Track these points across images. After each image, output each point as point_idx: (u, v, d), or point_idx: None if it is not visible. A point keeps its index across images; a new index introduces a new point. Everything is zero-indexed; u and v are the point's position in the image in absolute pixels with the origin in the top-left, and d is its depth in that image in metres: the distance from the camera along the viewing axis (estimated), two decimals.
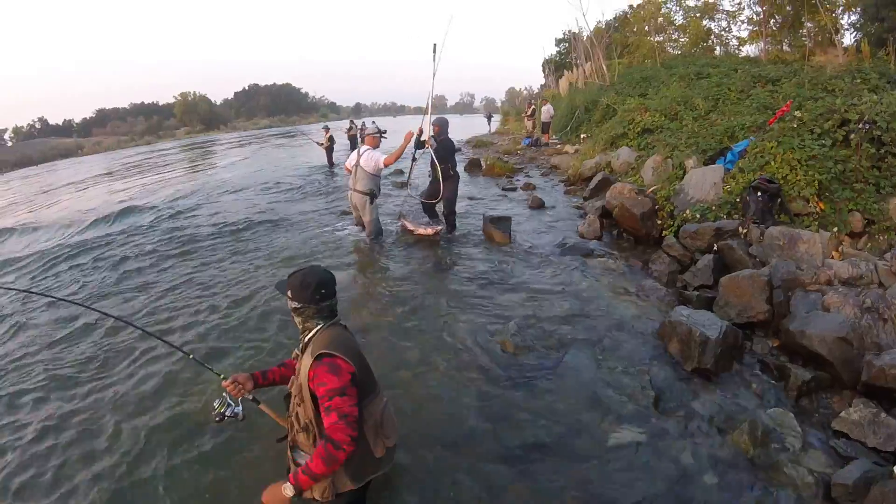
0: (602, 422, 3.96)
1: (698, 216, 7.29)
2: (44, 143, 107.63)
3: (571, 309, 5.81)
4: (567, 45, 33.20)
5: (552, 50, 37.68)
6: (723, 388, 4.28)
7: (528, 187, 12.69)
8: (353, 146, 25.45)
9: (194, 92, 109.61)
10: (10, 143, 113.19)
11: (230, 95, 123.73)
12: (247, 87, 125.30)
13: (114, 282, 8.17)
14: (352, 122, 27.55)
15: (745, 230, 6.49)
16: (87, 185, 26.62)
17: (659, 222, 7.92)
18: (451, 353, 5.09)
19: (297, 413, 2.76)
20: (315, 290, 2.68)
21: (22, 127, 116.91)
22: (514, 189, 12.80)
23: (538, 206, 10.67)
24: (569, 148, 17.33)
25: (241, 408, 2.95)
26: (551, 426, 3.97)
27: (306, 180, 17.53)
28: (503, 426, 4.01)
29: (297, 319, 2.74)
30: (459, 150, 21.31)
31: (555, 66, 35.14)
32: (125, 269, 8.72)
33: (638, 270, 6.99)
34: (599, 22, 30.02)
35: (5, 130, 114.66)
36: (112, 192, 21.81)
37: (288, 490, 2.54)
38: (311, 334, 2.71)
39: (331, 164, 20.62)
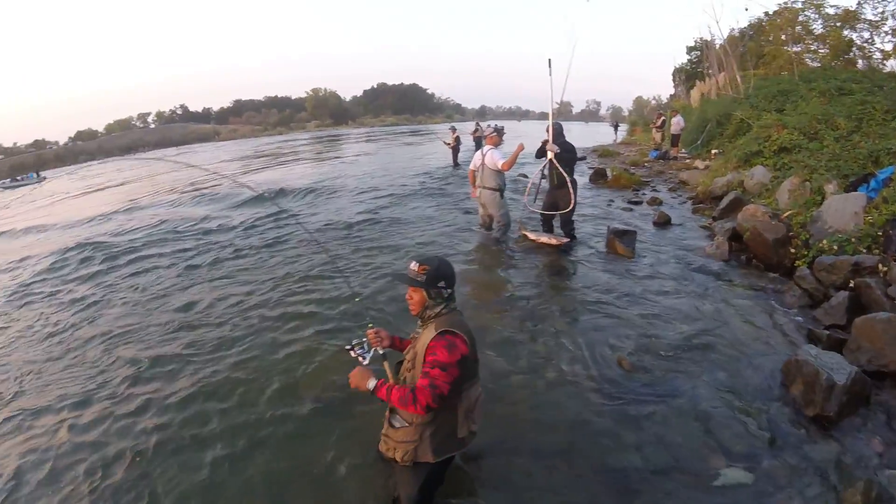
0: (710, 458, 3.77)
1: (835, 248, 6.75)
2: (183, 128, 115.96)
3: (693, 333, 5.58)
4: (699, 53, 31.78)
5: (683, 58, 36.12)
6: (842, 440, 3.90)
7: (655, 202, 12.34)
8: (478, 147, 25.91)
9: (325, 88, 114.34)
10: (152, 126, 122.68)
11: (359, 93, 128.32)
12: (375, 86, 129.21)
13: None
14: (477, 124, 27.94)
15: (885, 268, 5.90)
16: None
17: (792, 251, 7.35)
18: (564, 362, 5.08)
19: (405, 378, 3.07)
20: (442, 280, 2.99)
21: (164, 112, 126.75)
22: (639, 202, 12.53)
23: (664, 221, 10.35)
24: (699, 163, 16.64)
25: (370, 354, 3.23)
26: (657, 453, 3.82)
27: (431, 178, 18.13)
28: (606, 445, 3.92)
29: (437, 306, 3.01)
30: (584, 157, 21.22)
31: (685, 76, 33.59)
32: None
33: (766, 300, 6.48)
34: (733, 30, 28.05)
35: (149, 114, 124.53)
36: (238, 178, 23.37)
37: (371, 383, 2.92)
38: (434, 315, 2.99)
39: (455, 163, 20.99)
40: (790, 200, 9.02)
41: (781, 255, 7.40)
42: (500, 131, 9.21)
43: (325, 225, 11.45)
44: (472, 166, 8.96)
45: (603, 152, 23.60)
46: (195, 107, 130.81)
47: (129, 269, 9.61)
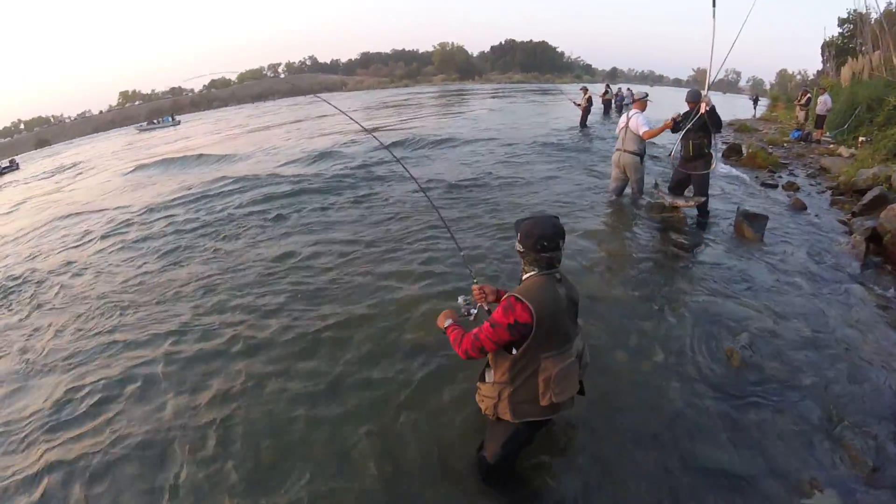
0: (805, 476, 3.55)
1: None
2: (312, 78, 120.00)
3: (815, 337, 5.19)
4: (852, 27, 29.13)
5: (834, 31, 33.07)
6: None
7: (791, 187, 11.64)
8: (607, 110, 25.50)
9: (452, 43, 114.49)
10: (282, 76, 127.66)
11: (487, 48, 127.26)
12: (503, 42, 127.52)
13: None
14: (608, 86, 27.43)
15: None
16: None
17: None
18: (672, 346, 4.96)
19: None
20: (538, 241, 2.88)
21: (294, 63, 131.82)
22: (774, 186, 11.84)
23: (800, 208, 9.84)
24: (843, 150, 15.40)
25: (475, 310, 3.41)
26: (750, 460, 3.68)
27: (560, 137, 17.86)
28: (701, 439, 3.85)
29: (529, 266, 3.00)
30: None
31: (836, 51, 30.26)
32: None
33: None
34: (891, 3, 25.17)
35: (279, 64, 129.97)
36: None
37: (446, 322, 3.27)
38: (525, 276, 3.03)
39: (584, 124, 20.48)
40: None
41: None
42: (647, 98, 9.19)
43: (439, 181, 11.74)
44: (619, 126, 8.97)
45: (740, 127, 22.31)
46: (324, 58, 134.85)
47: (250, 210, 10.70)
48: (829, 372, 4.67)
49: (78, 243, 10.65)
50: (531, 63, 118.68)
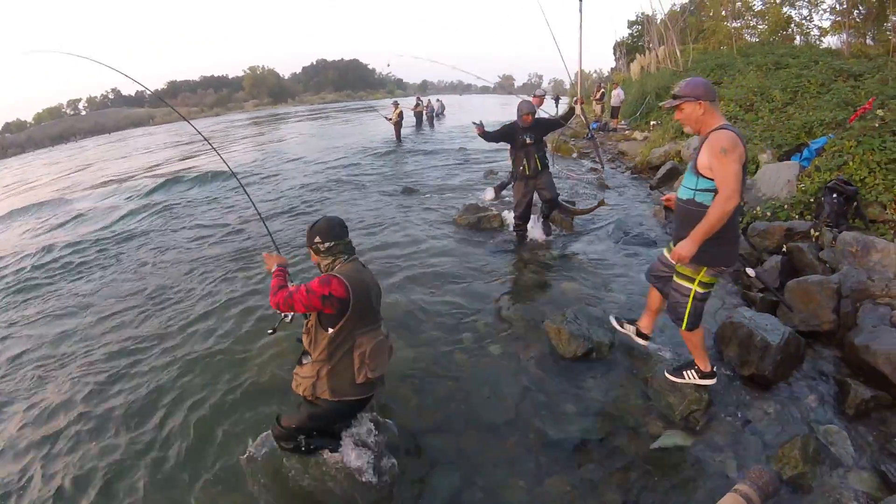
0: (649, 422, 3.87)
1: (769, 214, 6.97)
2: (117, 113, 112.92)
3: (626, 300, 5.75)
4: (640, 27, 32.25)
5: (624, 32, 36.52)
6: (778, 399, 4.03)
7: (595, 171, 12.52)
8: (419, 123, 25.78)
9: (263, 66, 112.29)
10: (83, 112, 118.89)
11: (298, 70, 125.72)
12: (315, 62, 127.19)
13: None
14: (418, 98, 27.80)
15: (816, 233, 6.11)
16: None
17: None
18: (504, 338, 5.16)
19: (306, 325, 3.34)
20: (321, 235, 3.24)
21: (96, 97, 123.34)
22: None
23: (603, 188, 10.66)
24: (637, 134, 16.94)
25: (291, 316, 3.55)
26: (596, 421, 3.94)
27: (375, 154, 17.97)
28: (549, 415, 4.01)
29: (325, 258, 3.29)
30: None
31: (626, 49, 34.01)
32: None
33: None
34: (674, 4, 28.74)
35: (80, 100, 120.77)
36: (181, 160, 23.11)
37: (273, 267, 3.48)
38: (336, 265, 3.28)
39: (399, 139, 20.80)
40: None
41: None
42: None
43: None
44: None
45: None
46: (128, 90, 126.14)
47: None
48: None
49: None
50: (344, 81, 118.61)
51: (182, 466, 3.86)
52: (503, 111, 37.66)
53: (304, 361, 3.39)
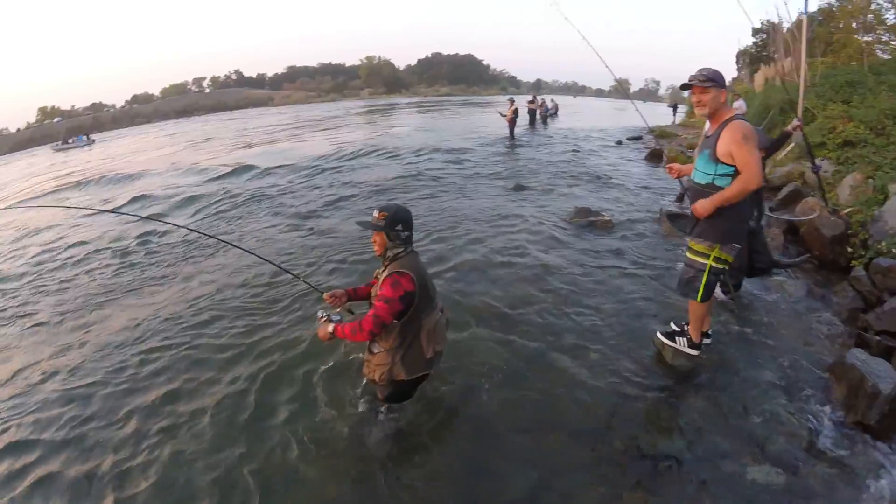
0: (744, 454, 3.67)
1: (895, 251, 6.29)
2: (238, 93, 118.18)
3: (739, 324, 5.37)
4: (765, 36, 30.60)
5: (748, 40, 34.61)
6: (882, 452, 3.64)
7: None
8: (532, 121, 25.87)
9: (379, 56, 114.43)
10: (207, 90, 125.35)
11: (413, 62, 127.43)
12: (430, 55, 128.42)
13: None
14: (534, 96, 27.94)
15: None
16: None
17: (849, 250, 6.84)
18: (606, 342, 5.03)
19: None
20: (403, 224, 3.51)
21: (219, 77, 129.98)
22: None
23: None
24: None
25: (338, 316, 3.71)
26: (691, 443, 3.78)
27: (488, 150, 18.11)
28: (642, 430, 3.93)
29: (397, 247, 3.54)
30: (640, 137, 21.02)
31: (749, 59, 31.45)
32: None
33: (817, 299, 6.10)
34: (802, 12, 27.14)
35: (204, 78, 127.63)
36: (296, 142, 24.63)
37: (329, 329, 3.55)
38: (393, 257, 3.55)
39: (512, 135, 20.82)
40: (851, 197, 8.51)
41: (837, 254, 6.97)
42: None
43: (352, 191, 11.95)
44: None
45: (660, 133, 22.96)
46: (250, 73, 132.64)
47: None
48: (756, 356, 4.79)
49: None
50: (458, 76, 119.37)
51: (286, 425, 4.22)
52: (618, 116, 37.05)
53: (375, 350, 3.68)
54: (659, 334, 4.62)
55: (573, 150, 16.54)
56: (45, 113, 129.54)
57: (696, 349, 4.42)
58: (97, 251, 10.00)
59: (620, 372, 4.59)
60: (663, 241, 7.89)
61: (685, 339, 4.44)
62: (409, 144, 20.55)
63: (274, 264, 4.66)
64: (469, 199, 11.05)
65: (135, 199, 15.12)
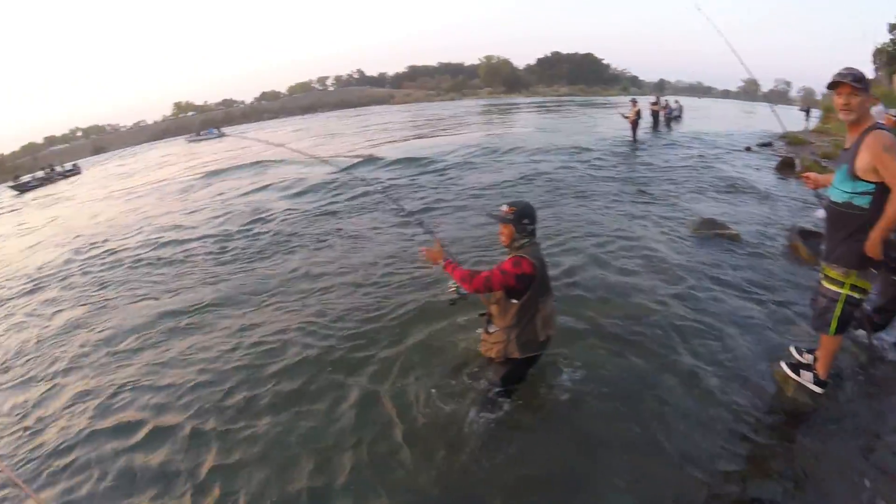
0: None
1: None
2: (360, 91, 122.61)
3: (874, 373, 4.60)
4: None
5: (884, 37, 31.23)
6: None
7: None
8: (656, 123, 25.09)
9: (498, 56, 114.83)
10: (330, 88, 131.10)
11: (532, 61, 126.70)
12: (549, 55, 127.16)
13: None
14: (657, 97, 27.06)
15: None
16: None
17: None
18: (727, 370, 4.72)
19: (493, 298, 3.99)
20: (530, 218, 3.85)
21: (342, 76, 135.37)
22: None
23: None
24: None
25: (465, 294, 4.24)
26: (799, 491, 3.43)
27: (609, 152, 17.70)
28: (750, 472, 3.62)
29: (522, 238, 3.84)
30: (770, 143, 19.54)
31: (887, 58, 28.24)
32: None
33: None
34: None
35: (328, 77, 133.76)
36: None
37: (441, 262, 3.96)
38: (518, 247, 3.84)
39: (635, 139, 20.08)
40: None
41: None
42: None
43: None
44: None
45: (792, 140, 21.06)
46: (371, 72, 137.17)
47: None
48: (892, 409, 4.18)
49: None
50: (577, 75, 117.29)
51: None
52: (746, 119, 35.19)
53: (491, 330, 4.07)
54: (783, 364, 4.33)
55: (698, 156, 15.78)
56: (180, 107, 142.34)
57: (821, 387, 4.06)
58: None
59: (735, 402, 4.30)
60: (795, 261, 7.24)
61: (811, 374, 4.10)
62: (528, 145, 20.46)
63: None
64: (587, 203, 10.89)
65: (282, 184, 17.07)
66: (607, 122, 28.29)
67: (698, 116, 32.61)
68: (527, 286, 3.75)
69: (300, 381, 5.19)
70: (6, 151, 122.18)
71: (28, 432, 5.20)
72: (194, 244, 11.04)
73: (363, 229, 10.29)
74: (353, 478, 3.87)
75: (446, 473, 3.81)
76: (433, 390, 4.61)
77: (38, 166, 57.67)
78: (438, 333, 5.65)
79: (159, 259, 10.32)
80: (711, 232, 8.30)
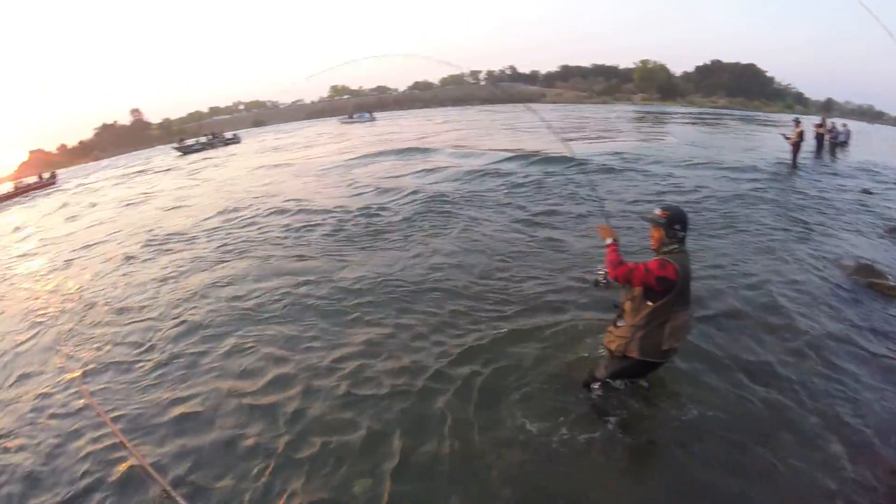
0: None
1: None
2: (511, 87, 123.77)
3: None
4: None
5: None
6: None
7: None
8: (819, 149, 23.11)
9: (654, 60, 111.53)
10: (482, 83, 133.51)
11: (690, 68, 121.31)
12: (708, 63, 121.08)
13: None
14: (823, 119, 24.98)
15: None
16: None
17: None
18: (847, 440, 4.38)
19: (631, 293, 4.09)
20: (681, 224, 3.92)
21: (494, 71, 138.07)
22: None
23: None
24: None
25: (607, 281, 4.30)
26: None
27: (764, 175, 16.65)
28: None
29: (671, 244, 3.92)
30: None
31: None
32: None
33: None
34: None
35: (480, 72, 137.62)
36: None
37: (608, 240, 4.18)
38: (667, 251, 3.91)
39: (795, 163, 18.42)
40: None
41: None
42: None
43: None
44: None
45: None
46: (523, 68, 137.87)
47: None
48: None
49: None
50: (737, 87, 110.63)
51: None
52: None
53: (620, 324, 4.21)
54: None
55: (863, 190, 14.49)
56: (336, 91, 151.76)
57: None
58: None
59: (857, 476, 4.02)
60: None
61: None
62: (677, 158, 20.08)
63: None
64: (732, 228, 10.47)
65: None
66: (766, 141, 26.47)
67: (867, 144, 29.92)
68: (666, 290, 3.81)
69: (408, 360, 5.82)
70: (173, 117, 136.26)
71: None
72: (346, 219, 12.50)
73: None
74: (433, 467, 4.28)
75: (527, 484, 4.01)
76: (531, 400, 4.91)
77: (202, 133, 64.20)
78: (554, 338, 6.00)
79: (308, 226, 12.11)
80: (866, 280, 7.68)
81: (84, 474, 4.77)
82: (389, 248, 9.89)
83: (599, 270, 4.37)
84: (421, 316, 6.89)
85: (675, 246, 3.92)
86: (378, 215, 12.49)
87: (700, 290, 6.93)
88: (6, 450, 5.40)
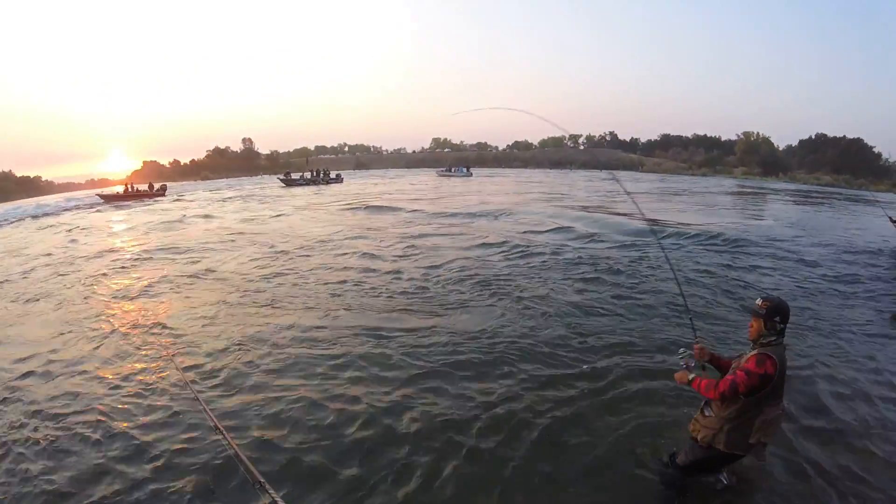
0: None
1: None
2: (610, 153, 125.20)
3: None
4: None
5: None
6: None
7: None
8: None
9: (757, 132, 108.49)
10: (581, 147, 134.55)
11: (794, 142, 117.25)
12: (813, 136, 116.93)
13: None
14: None
15: None
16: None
17: None
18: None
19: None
20: (782, 316, 3.88)
21: (594, 136, 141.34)
22: None
23: None
24: None
25: (694, 364, 4.26)
26: None
27: (864, 263, 15.35)
28: None
29: (771, 336, 3.90)
30: None
31: None
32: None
33: None
34: None
35: (580, 136, 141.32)
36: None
37: (689, 377, 4.12)
38: (765, 343, 3.90)
39: None
40: None
41: None
42: None
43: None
44: None
45: None
46: (623, 135, 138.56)
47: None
48: None
49: None
50: (843, 163, 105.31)
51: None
52: None
53: (707, 413, 4.16)
54: None
55: None
56: (438, 143, 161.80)
57: None
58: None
59: None
60: None
61: None
62: (773, 238, 19.36)
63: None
64: (826, 327, 9.55)
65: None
66: (872, 225, 24.38)
67: None
68: (764, 386, 3.77)
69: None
70: (281, 150, 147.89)
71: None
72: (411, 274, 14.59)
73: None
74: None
75: None
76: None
77: (307, 168, 69.66)
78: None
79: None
80: None
81: (179, 452, 5.43)
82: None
83: (691, 364, 4.31)
84: None
85: (774, 338, 3.88)
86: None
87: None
88: (110, 419, 6.32)
